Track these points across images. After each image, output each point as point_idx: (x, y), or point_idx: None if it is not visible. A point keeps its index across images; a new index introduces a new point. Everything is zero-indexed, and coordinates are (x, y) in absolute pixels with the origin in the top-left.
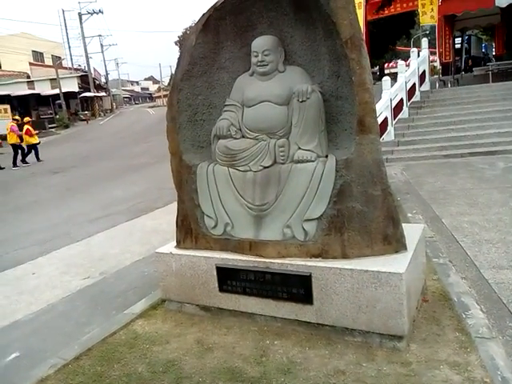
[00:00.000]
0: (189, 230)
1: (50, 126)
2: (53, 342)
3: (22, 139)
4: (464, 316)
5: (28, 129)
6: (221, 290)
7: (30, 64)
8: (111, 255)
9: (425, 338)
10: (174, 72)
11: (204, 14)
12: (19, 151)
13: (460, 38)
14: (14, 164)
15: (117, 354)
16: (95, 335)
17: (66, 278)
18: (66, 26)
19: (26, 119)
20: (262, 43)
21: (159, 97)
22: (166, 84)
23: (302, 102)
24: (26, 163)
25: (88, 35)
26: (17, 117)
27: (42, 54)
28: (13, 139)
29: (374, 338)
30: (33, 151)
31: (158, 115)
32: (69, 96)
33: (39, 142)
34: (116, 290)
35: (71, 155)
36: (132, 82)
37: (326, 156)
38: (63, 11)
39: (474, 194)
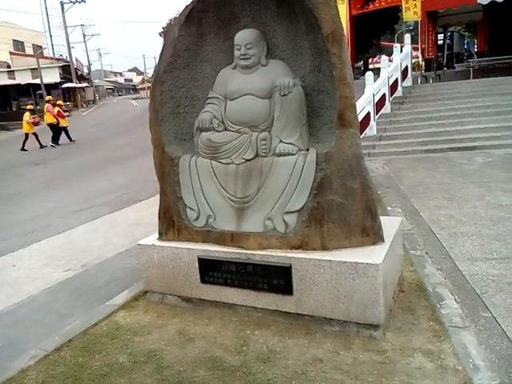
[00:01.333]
0: (171, 221)
1: None
2: (34, 333)
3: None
4: (438, 306)
5: (59, 111)
6: (202, 281)
7: (11, 53)
8: (93, 247)
9: (400, 327)
10: (157, 64)
11: (187, 6)
12: (65, 130)
13: (443, 34)
14: (55, 142)
15: (98, 344)
16: (77, 326)
17: (47, 270)
18: (47, 15)
19: (59, 102)
20: (244, 37)
21: (143, 88)
22: (150, 76)
23: (283, 95)
24: (58, 144)
25: (70, 24)
26: (49, 97)
27: (22, 43)
28: (49, 119)
29: (352, 327)
30: (62, 133)
31: (141, 107)
32: (50, 86)
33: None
34: (98, 281)
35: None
36: (115, 73)
37: (307, 149)
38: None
39: (452, 188)
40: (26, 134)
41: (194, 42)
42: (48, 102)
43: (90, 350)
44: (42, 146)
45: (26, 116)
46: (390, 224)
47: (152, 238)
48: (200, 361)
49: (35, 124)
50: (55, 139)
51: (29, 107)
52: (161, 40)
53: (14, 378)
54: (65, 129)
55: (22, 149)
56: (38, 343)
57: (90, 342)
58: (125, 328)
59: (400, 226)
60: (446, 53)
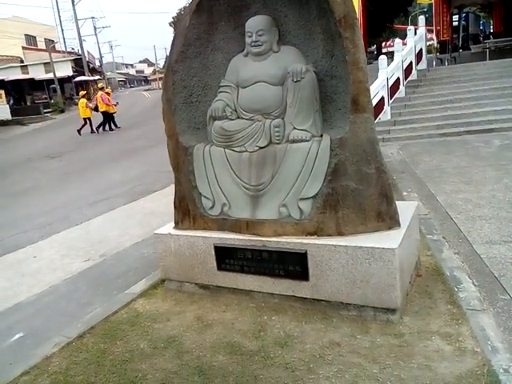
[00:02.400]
0: (186, 210)
1: (45, 110)
2: (56, 321)
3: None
4: (456, 289)
5: (108, 98)
6: (219, 268)
7: (23, 48)
8: (111, 238)
9: (417, 311)
10: (168, 54)
11: None
12: (112, 116)
13: (457, 16)
14: (110, 128)
15: (119, 331)
16: (97, 314)
17: (66, 261)
18: (58, 9)
19: (107, 90)
20: (256, 23)
21: (155, 79)
22: (162, 66)
23: (296, 81)
24: (106, 130)
25: (81, 17)
26: (101, 84)
27: (34, 37)
28: (103, 107)
29: (368, 311)
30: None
31: (153, 98)
32: (63, 80)
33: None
34: (116, 271)
35: (68, 140)
36: (127, 65)
37: (321, 135)
38: None
39: (468, 171)
40: (84, 119)
41: (205, 31)
42: (101, 89)
43: (111, 336)
44: (92, 131)
45: (83, 102)
46: (406, 209)
47: (168, 227)
48: (219, 346)
49: (94, 110)
50: (110, 124)
51: (82, 93)
52: (171, 30)
53: (38, 365)
54: (112, 115)
55: (79, 131)
56: (60, 331)
57: (111, 329)
58: (144, 315)
59: (416, 211)
60: (461, 34)
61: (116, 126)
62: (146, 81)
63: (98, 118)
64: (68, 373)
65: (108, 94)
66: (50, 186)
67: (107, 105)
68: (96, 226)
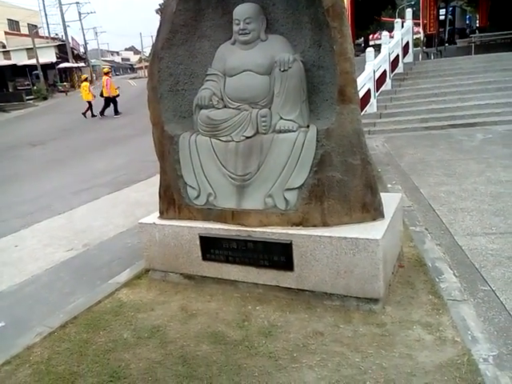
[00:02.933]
0: (172, 200)
1: (27, 97)
2: (38, 311)
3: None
4: (437, 280)
5: (111, 82)
6: (204, 258)
7: (6, 33)
8: (94, 227)
9: (399, 301)
10: (154, 41)
11: None
12: (115, 101)
13: (444, 10)
14: (116, 112)
15: (102, 321)
16: (80, 304)
17: (49, 250)
18: None
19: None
20: (243, 11)
21: (141, 68)
22: (148, 54)
23: (283, 71)
24: (105, 115)
25: (65, 2)
26: (107, 69)
27: (17, 22)
28: (113, 92)
29: (352, 301)
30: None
31: (139, 87)
32: (46, 67)
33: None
34: (100, 261)
35: (51, 127)
36: (112, 53)
37: (308, 126)
38: None
39: (452, 164)
40: (89, 102)
41: (191, 18)
42: (106, 74)
43: (94, 326)
44: (93, 115)
45: (86, 85)
46: (390, 200)
47: (153, 217)
48: (203, 336)
49: (100, 95)
50: (116, 108)
51: (84, 77)
52: (158, 18)
53: (20, 355)
54: (114, 100)
55: (84, 114)
56: (42, 321)
57: (94, 319)
58: (128, 305)
59: (400, 203)
60: (447, 28)
61: (117, 112)
62: (132, 69)
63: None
64: (50, 362)
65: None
66: (33, 174)
67: (115, 89)
68: (79, 216)
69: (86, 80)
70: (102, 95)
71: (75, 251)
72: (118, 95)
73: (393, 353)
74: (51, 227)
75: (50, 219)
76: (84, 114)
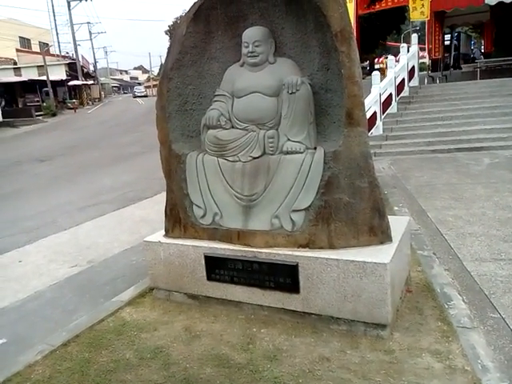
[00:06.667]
0: (177, 219)
1: (36, 113)
2: (40, 328)
3: None
4: (446, 306)
5: None
6: (209, 278)
7: (17, 50)
8: (99, 244)
9: (408, 327)
10: (164, 61)
11: (195, 3)
12: None
13: (449, 35)
14: None
15: (105, 340)
16: (83, 322)
17: (53, 266)
18: (53, 13)
19: None
20: (252, 34)
21: (148, 86)
22: (156, 73)
23: (291, 93)
24: None
25: (76, 22)
26: None
27: (29, 40)
28: None
29: (359, 326)
30: None
31: (147, 105)
32: (56, 84)
33: None
34: (104, 278)
35: (59, 144)
36: (121, 71)
37: (315, 148)
38: None
39: (459, 188)
40: None
41: (201, 40)
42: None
43: (96, 345)
44: None
45: None
46: (398, 224)
47: (158, 235)
48: (206, 358)
49: None
50: None
51: None
52: (166, 38)
53: (21, 373)
54: None
55: None
56: (44, 338)
57: (96, 338)
58: (131, 324)
59: (408, 226)
60: (452, 53)
61: None
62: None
63: None
64: (51, 381)
65: None
66: (39, 189)
67: None
68: (85, 232)
69: None
70: None
71: (79, 267)
72: None
73: (401, 381)
74: (56, 243)
75: (55, 235)
76: None
